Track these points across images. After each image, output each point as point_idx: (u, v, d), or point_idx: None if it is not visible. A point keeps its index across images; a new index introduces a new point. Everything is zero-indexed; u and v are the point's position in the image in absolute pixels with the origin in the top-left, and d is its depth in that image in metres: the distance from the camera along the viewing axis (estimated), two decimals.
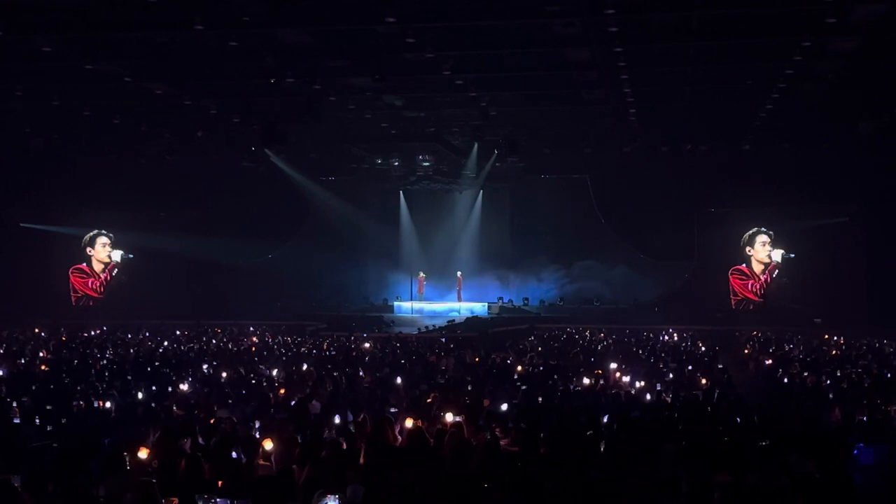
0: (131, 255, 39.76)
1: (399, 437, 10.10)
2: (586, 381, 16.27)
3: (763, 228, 37.06)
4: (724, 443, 9.56)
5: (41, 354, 22.10)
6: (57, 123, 30.10)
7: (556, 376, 16.95)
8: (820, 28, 19.14)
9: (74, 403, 12.89)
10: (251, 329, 31.75)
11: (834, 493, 6.73)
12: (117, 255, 40.14)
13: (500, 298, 39.15)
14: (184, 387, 15.40)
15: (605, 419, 11.65)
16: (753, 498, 7.25)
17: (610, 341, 27.28)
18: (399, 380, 15.92)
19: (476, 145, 32.77)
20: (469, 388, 14.96)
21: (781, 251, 36.80)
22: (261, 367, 19.19)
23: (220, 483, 7.82)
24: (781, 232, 36.88)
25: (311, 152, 34.68)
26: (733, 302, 37.60)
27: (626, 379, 16.87)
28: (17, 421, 11.77)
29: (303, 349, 24.70)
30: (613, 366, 18.55)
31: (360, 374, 17.77)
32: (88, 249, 40.26)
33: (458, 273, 39.11)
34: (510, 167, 35.58)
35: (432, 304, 38.87)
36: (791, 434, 9.87)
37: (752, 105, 27.02)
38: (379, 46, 20.95)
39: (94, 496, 7.36)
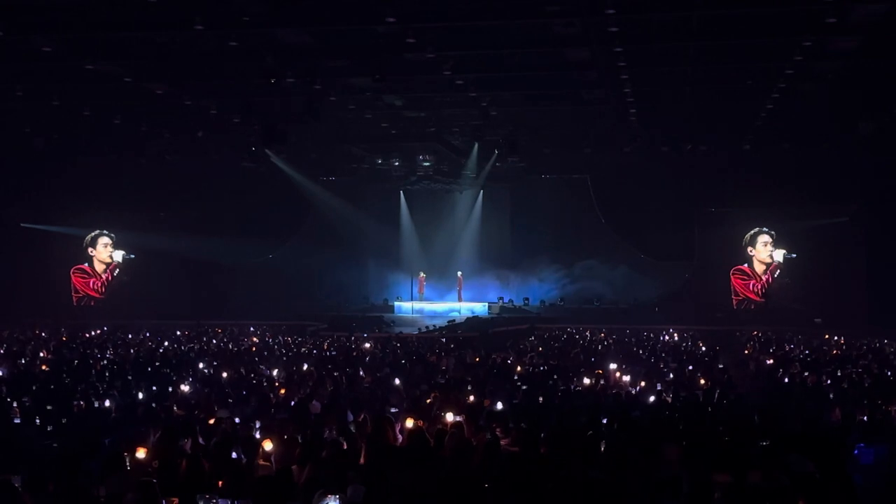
0: (133, 256, 39.78)
1: (399, 437, 10.10)
2: (587, 381, 16.26)
3: (765, 228, 37.07)
4: (725, 443, 9.55)
5: (41, 355, 22.11)
6: (57, 123, 30.12)
7: (556, 376, 16.94)
8: (820, 28, 19.13)
9: (75, 403, 12.88)
10: (251, 329, 31.76)
11: (834, 493, 6.73)
12: (119, 256, 40.17)
13: (501, 298, 39.16)
14: (184, 387, 15.39)
15: (606, 419, 11.66)
16: (754, 498, 7.25)
17: (610, 341, 27.28)
18: (399, 380, 15.92)
19: (476, 145, 32.76)
20: (469, 388, 14.95)
21: (783, 251, 36.80)
22: (261, 367, 19.20)
23: (220, 483, 7.82)
24: (782, 232, 36.90)
25: (311, 152, 34.68)
26: (734, 302, 37.61)
27: (626, 379, 16.87)
28: (17, 421, 11.77)
29: (303, 349, 24.71)
30: (614, 366, 18.55)
31: (361, 374, 17.77)
32: (90, 250, 40.29)
33: (459, 273, 39.11)
34: (510, 167, 35.59)
35: (433, 304, 38.89)
36: (791, 434, 9.86)
37: (753, 105, 27.01)
38: (379, 46, 20.95)
39: (95, 496, 7.36)
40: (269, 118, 26.88)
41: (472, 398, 13.33)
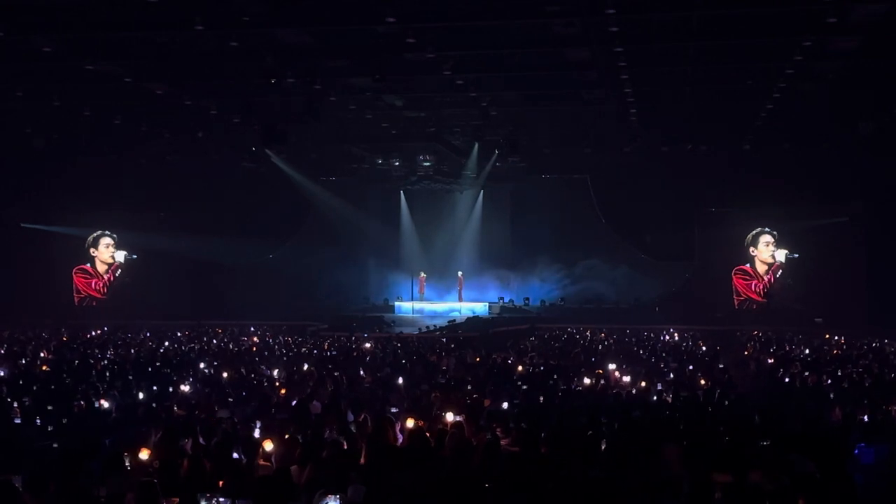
0: (135, 256, 39.79)
1: (400, 438, 10.10)
2: (587, 381, 16.27)
3: (767, 228, 37.05)
4: (725, 443, 9.56)
5: (42, 355, 22.11)
6: (57, 124, 30.11)
7: (556, 376, 16.95)
8: (820, 28, 19.13)
9: (75, 404, 12.88)
10: (252, 329, 31.77)
11: (835, 493, 6.73)
12: (121, 256, 40.17)
13: (501, 298, 39.16)
14: (185, 387, 15.40)
15: (606, 419, 11.66)
16: (754, 498, 7.24)
17: (611, 341, 27.29)
18: (400, 380, 15.92)
19: (476, 145, 32.76)
20: (470, 388, 14.96)
21: (785, 251, 36.79)
22: (262, 367, 19.20)
23: (220, 483, 7.83)
24: (782, 232, 36.90)
25: (311, 152, 34.68)
26: (736, 302, 37.62)
27: (626, 379, 16.87)
28: (18, 421, 11.77)
29: (303, 349, 24.71)
30: (614, 366, 18.56)
31: (361, 374, 17.77)
32: (92, 250, 40.29)
33: (459, 273, 39.11)
34: (511, 167, 35.59)
35: (433, 304, 38.89)
36: (792, 434, 9.86)
37: (753, 105, 27.00)
38: (379, 46, 20.95)
39: (96, 496, 7.36)
40: (269, 118, 26.87)
41: (472, 398, 13.33)
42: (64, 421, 11.87)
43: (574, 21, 19.28)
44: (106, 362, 19.93)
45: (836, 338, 28.17)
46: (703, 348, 24.97)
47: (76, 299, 40.09)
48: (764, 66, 23.22)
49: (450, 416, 10.82)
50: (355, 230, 39.63)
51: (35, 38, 20.76)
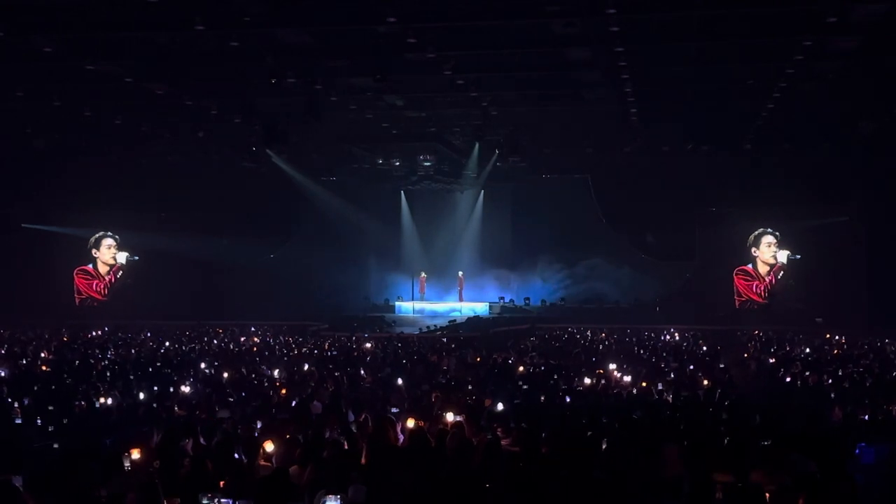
0: (136, 258, 39.79)
1: (401, 438, 10.10)
2: (588, 381, 16.27)
3: (769, 229, 37.04)
4: (726, 443, 9.54)
5: (43, 355, 22.12)
6: (57, 124, 30.12)
7: (556, 376, 16.95)
8: (820, 28, 19.13)
9: (76, 404, 12.90)
10: (252, 329, 31.78)
11: (835, 493, 6.73)
12: (122, 257, 40.17)
13: (502, 298, 39.15)
14: (185, 387, 15.40)
15: (606, 419, 11.66)
16: (755, 498, 7.24)
17: (611, 341, 27.28)
18: (400, 380, 15.92)
19: (477, 145, 32.77)
20: (470, 388, 14.95)
21: (787, 252, 36.77)
22: (262, 367, 19.20)
23: (221, 483, 7.83)
24: (782, 232, 36.90)
25: (311, 152, 34.68)
26: (737, 302, 37.62)
27: (627, 379, 16.86)
28: (18, 421, 11.76)
29: (304, 349, 24.71)
30: (614, 366, 18.56)
31: (362, 374, 17.78)
32: (94, 251, 40.32)
33: (460, 273, 39.12)
34: (511, 167, 35.56)
35: (433, 304, 38.90)
36: (792, 434, 9.85)
37: (753, 105, 27.00)
38: (380, 46, 20.94)
39: (96, 496, 7.35)
40: (269, 118, 26.87)
41: (472, 398, 13.33)
42: (64, 421, 11.87)
43: (574, 21, 19.27)
44: (106, 362, 19.94)
45: (837, 337, 28.16)
46: (704, 348, 24.97)
47: (77, 300, 40.12)
48: (764, 66, 23.21)
49: (450, 416, 10.82)
50: (356, 230, 39.62)
51: (35, 38, 20.77)
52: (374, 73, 21.98)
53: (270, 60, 22.06)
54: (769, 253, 37.20)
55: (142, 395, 14.41)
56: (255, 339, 28.31)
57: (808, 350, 24.39)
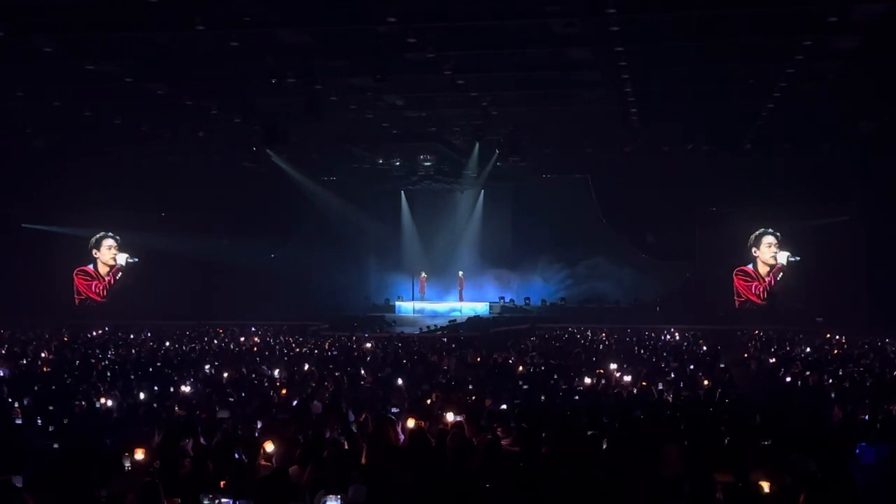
0: (136, 259, 39.79)
1: (401, 438, 10.10)
2: (588, 380, 16.27)
3: (770, 229, 37.02)
4: (726, 442, 9.55)
5: (43, 355, 22.12)
6: (58, 124, 30.11)
7: (557, 376, 16.95)
8: (821, 27, 19.12)
9: (76, 404, 12.90)
10: (252, 329, 31.78)
11: (836, 493, 6.73)
12: (122, 259, 40.16)
13: (502, 298, 39.14)
14: (185, 387, 15.40)
15: (607, 419, 11.66)
16: (755, 498, 7.25)
17: (611, 341, 27.27)
18: (400, 380, 15.92)
19: (477, 145, 32.77)
20: (470, 388, 14.95)
21: (787, 254, 36.76)
22: (262, 367, 19.20)
23: (222, 483, 7.83)
24: (782, 231, 36.88)
25: (312, 152, 34.67)
26: (737, 302, 37.60)
27: (627, 378, 16.86)
28: (18, 421, 11.77)
29: (304, 349, 24.71)
30: (615, 366, 18.56)
31: (362, 374, 17.78)
32: (94, 251, 40.30)
33: (460, 273, 39.13)
34: (511, 167, 35.54)
35: (434, 304, 38.90)
36: (793, 433, 9.85)
37: (753, 104, 26.99)
38: (380, 46, 20.93)
39: (96, 497, 7.35)
40: (269, 118, 26.86)
41: (473, 398, 13.33)
42: (65, 421, 11.88)
43: (575, 21, 19.26)
44: (107, 362, 19.95)
45: (837, 337, 28.16)
46: (704, 348, 24.97)
47: (77, 300, 40.12)
48: (764, 66, 23.21)
49: (450, 416, 10.82)
50: (356, 230, 39.63)
51: (35, 38, 20.76)
52: (374, 73, 21.95)
53: (270, 60, 22.05)
54: (769, 253, 37.18)
55: (142, 396, 14.43)
56: (256, 339, 28.31)
57: (808, 350, 24.38)
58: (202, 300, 37.15)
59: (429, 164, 35.10)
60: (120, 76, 23.82)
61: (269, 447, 9.00)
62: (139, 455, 8.53)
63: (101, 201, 37.68)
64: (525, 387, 15.44)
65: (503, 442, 9.64)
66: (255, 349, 24.51)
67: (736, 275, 37.59)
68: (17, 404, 12.71)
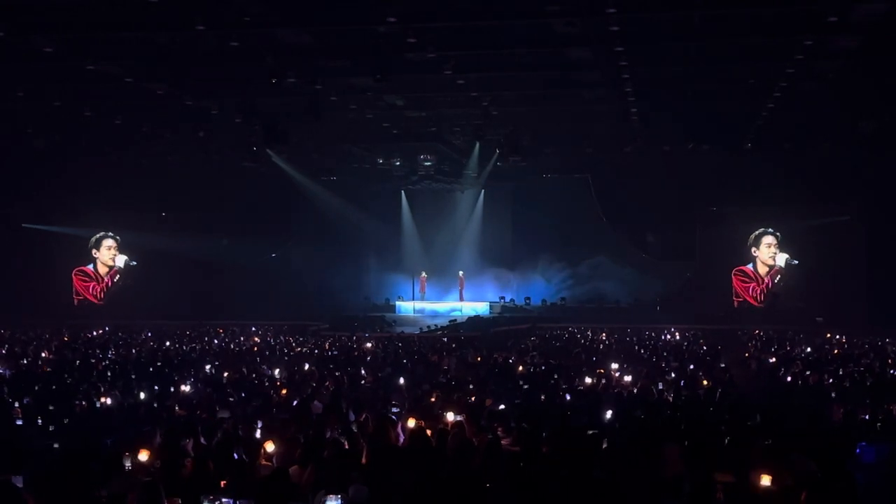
0: (134, 263, 39.79)
1: (401, 437, 10.10)
2: (588, 380, 16.27)
3: (770, 229, 37.02)
4: (726, 442, 9.55)
5: (43, 355, 22.12)
6: (58, 124, 30.08)
7: (557, 376, 16.94)
8: (821, 27, 19.11)
9: (76, 404, 12.90)
10: (253, 329, 31.78)
11: (836, 492, 6.73)
12: (121, 261, 40.15)
13: (502, 298, 39.15)
14: (186, 387, 15.40)
15: (607, 419, 11.66)
16: (756, 497, 7.25)
17: (611, 341, 27.27)
18: (401, 380, 15.92)
19: (477, 145, 32.76)
20: (471, 388, 14.95)
21: (786, 256, 36.76)
22: (263, 367, 19.20)
23: (222, 483, 7.83)
24: (783, 231, 36.89)
25: (312, 152, 34.66)
26: (735, 303, 37.61)
27: (627, 378, 16.86)
28: (19, 421, 11.76)
29: (304, 349, 24.71)
30: (615, 365, 18.55)
31: (362, 373, 17.77)
32: (94, 251, 40.29)
33: (460, 273, 39.15)
34: (512, 167, 35.52)
35: (434, 303, 38.91)
36: (793, 433, 9.86)
37: (754, 104, 26.98)
38: (380, 46, 20.91)
39: (97, 497, 7.35)
40: (269, 118, 26.85)
41: (473, 398, 13.32)
42: (65, 421, 11.88)
43: (575, 21, 19.25)
44: (107, 362, 19.95)
45: (837, 337, 28.18)
46: (705, 348, 24.96)
47: (75, 300, 40.12)
48: (765, 66, 23.19)
49: (451, 416, 10.81)
50: (356, 230, 39.66)
51: (35, 38, 20.74)
52: (374, 73, 21.93)
53: (270, 60, 22.03)
54: (768, 253, 37.19)
55: (142, 395, 14.42)
56: (256, 339, 28.30)
57: (808, 349, 24.40)
58: (202, 300, 37.15)
59: (429, 163, 35.10)
60: (120, 76, 23.81)
61: (270, 447, 9.00)
62: (139, 455, 8.53)
63: (101, 201, 37.71)
64: (525, 386, 15.44)
65: (503, 442, 9.63)
66: (256, 349, 24.51)
67: (735, 275, 37.60)
68: (17, 404, 12.69)
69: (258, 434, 10.21)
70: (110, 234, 40.10)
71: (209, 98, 26.72)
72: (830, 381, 16.52)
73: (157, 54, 21.84)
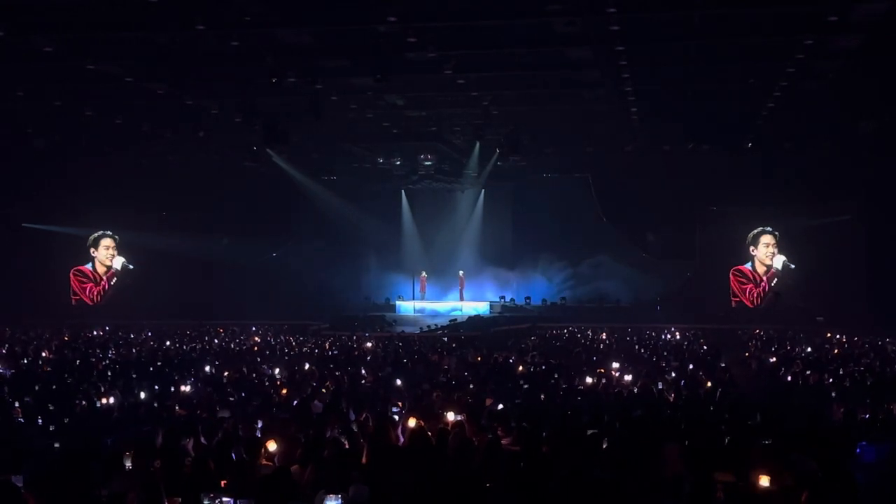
0: (132, 266, 39.79)
1: (401, 437, 10.10)
2: (588, 380, 16.27)
3: (768, 228, 37.02)
4: (727, 442, 9.55)
5: (44, 354, 22.12)
6: (58, 124, 30.10)
7: (557, 375, 16.94)
8: (821, 27, 19.12)
9: (77, 403, 12.90)
10: (253, 329, 31.79)
11: (836, 492, 6.73)
12: (118, 263, 40.14)
13: (503, 297, 39.15)
14: (186, 387, 15.40)
15: (607, 418, 11.65)
16: (756, 497, 7.24)
17: (612, 340, 27.27)
18: (401, 379, 15.92)
19: (478, 144, 32.77)
20: (471, 388, 14.95)
21: (783, 258, 36.75)
22: (263, 366, 19.20)
23: (222, 483, 7.83)
24: (783, 231, 36.89)
25: (312, 152, 34.67)
26: (733, 303, 37.62)
27: (627, 378, 16.86)
28: (20, 421, 11.77)
29: (305, 349, 24.71)
30: (615, 365, 18.55)
31: (363, 373, 17.78)
32: (92, 250, 40.29)
33: (461, 272, 39.15)
34: (512, 166, 35.58)
35: (434, 303, 38.92)
36: (793, 433, 9.85)
37: (754, 104, 26.98)
38: (380, 46, 20.91)
39: (97, 496, 7.35)
40: (269, 118, 26.85)
41: (473, 397, 13.32)
42: (65, 421, 11.87)
43: (575, 20, 19.25)
44: (107, 362, 19.95)
45: (838, 336, 28.17)
46: (705, 347, 24.95)
47: (73, 300, 40.13)
48: (765, 66, 23.20)
49: (451, 416, 10.82)
50: (356, 230, 39.65)
51: (35, 38, 20.74)
52: (374, 73, 21.92)
53: (270, 60, 22.04)
54: (766, 253, 37.20)
55: (143, 395, 14.42)
56: (256, 339, 28.31)
57: (808, 349, 24.39)
58: (202, 300, 37.15)
59: (429, 163, 35.11)
60: (120, 76, 23.81)
61: (270, 446, 9.00)
62: (140, 455, 8.53)
63: (101, 201, 37.70)
64: (525, 386, 15.43)
65: (503, 441, 9.64)
66: (256, 348, 24.51)
67: (732, 274, 37.61)
68: (17, 404, 12.69)
69: (258, 433, 10.21)
70: (108, 233, 40.10)
71: (209, 98, 26.73)
72: (831, 380, 16.52)
73: (157, 54, 21.84)
